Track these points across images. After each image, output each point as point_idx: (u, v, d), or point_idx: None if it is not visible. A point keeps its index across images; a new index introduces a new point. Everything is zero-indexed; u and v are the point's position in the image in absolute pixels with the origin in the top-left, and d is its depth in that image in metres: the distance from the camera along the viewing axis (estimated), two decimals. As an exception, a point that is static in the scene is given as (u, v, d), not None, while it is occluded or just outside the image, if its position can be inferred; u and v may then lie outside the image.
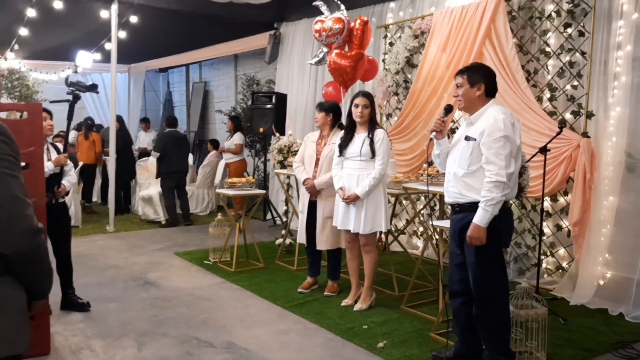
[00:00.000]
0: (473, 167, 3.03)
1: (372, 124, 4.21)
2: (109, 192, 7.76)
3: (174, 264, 5.74)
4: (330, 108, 4.66)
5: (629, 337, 3.75)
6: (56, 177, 4.16)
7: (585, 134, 4.47)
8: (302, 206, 4.72)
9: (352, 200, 4.12)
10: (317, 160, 4.60)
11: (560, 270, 4.78)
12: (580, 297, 4.36)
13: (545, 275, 4.86)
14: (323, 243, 4.56)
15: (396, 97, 6.39)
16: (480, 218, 2.93)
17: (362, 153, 4.13)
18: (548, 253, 4.85)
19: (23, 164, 3.40)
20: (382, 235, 5.12)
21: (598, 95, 4.45)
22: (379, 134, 4.16)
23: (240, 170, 8.48)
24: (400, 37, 6.19)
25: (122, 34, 7.79)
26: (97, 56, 9.07)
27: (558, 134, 4.22)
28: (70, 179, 4.37)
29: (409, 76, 6.17)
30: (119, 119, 9.10)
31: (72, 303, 4.29)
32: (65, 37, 8.88)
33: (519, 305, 3.29)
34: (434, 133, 3.24)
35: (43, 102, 8.70)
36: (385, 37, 6.50)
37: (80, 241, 6.64)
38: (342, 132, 4.36)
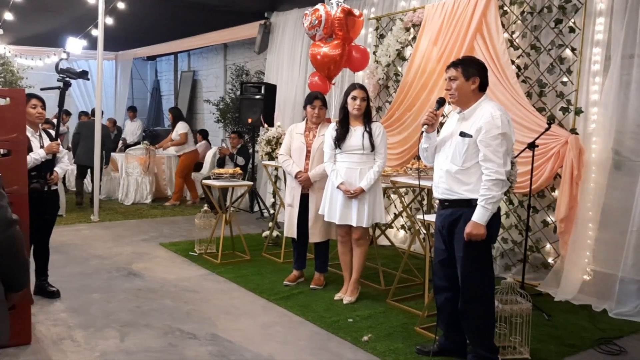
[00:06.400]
0: (467, 164, 3.00)
1: (367, 117, 4.21)
2: (94, 181, 7.67)
3: (159, 255, 5.68)
4: (325, 100, 4.65)
5: (612, 333, 3.78)
6: (49, 164, 4.11)
7: (573, 131, 4.48)
8: (292, 200, 4.62)
9: (357, 194, 4.09)
10: (308, 152, 4.56)
11: (545, 267, 4.80)
12: (565, 293, 4.39)
13: (531, 271, 4.88)
14: (316, 235, 4.53)
15: (386, 90, 6.36)
16: (480, 216, 2.92)
17: (364, 146, 4.11)
18: (534, 249, 4.87)
19: (4, 151, 3.34)
20: (370, 229, 5.10)
21: (587, 92, 4.46)
22: (378, 127, 4.19)
23: (189, 162, 8.62)
24: (391, 29, 6.15)
25: (110, 21, 7.69)
26: (84, 43, 8.95)
27: (546, 130, 4.23)
28: (64, 166, 4.32)
29: (400, 69, 6.15)
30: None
31: (42, 290, 4.26)
32: (51, 23, 8.74)
33: (504, 300, 3.30)
34: (425, 126, 3.18)
35: (28, 88, 8.61)
36: (377, 29, 6.45)
37: (65, 230, 6.56)
38: (331, 124, 4.33)
